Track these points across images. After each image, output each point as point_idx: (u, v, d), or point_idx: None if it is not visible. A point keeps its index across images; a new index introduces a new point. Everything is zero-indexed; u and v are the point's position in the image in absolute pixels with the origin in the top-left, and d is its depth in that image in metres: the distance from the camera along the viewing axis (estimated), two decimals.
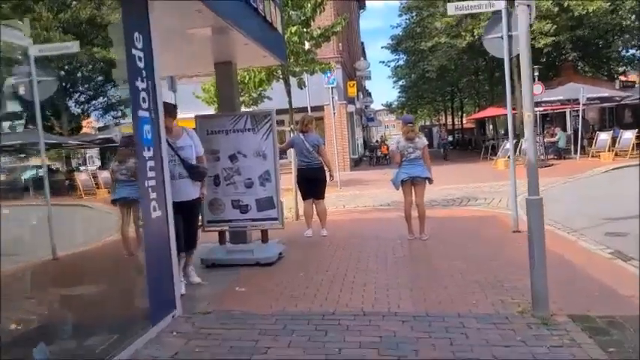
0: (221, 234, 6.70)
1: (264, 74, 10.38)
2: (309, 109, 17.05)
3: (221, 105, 7.54)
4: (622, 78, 34.03)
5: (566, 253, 6.58)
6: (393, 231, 8.65)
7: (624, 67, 37.99)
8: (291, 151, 9.41)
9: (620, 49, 35.62)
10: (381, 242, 7.77)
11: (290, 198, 10.26)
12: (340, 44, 25.37)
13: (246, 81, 10.66)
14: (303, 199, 8.76)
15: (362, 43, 55.16)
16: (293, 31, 10.17)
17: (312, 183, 8.47)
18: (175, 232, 4.91)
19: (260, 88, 16.55)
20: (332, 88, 16.77)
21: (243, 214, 6.60)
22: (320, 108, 22.63)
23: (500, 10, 7.73)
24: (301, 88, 11.26)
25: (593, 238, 7.39)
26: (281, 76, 10.90)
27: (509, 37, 7.72)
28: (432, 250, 7.14)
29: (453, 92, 47.12)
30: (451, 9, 7.89)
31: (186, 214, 5.44)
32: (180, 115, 5.92)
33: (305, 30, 10.77)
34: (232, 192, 6.59)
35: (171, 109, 5.42)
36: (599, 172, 16.80)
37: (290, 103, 11.10)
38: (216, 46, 6.64)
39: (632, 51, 36.04)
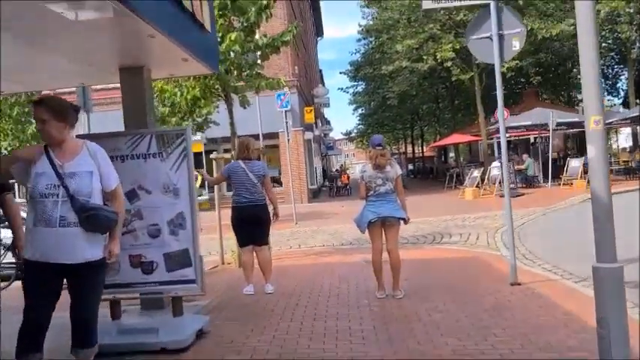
0: (113, 304, 4.70)
1: (198, 90, 8.49)
2: (260, 136, 15.18)
3: (126, 125, 5.60)
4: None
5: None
6: (359, 283, 6.81)
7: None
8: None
9: (579, 78, 35.46)
10: (343, 303, 5.88)
11: (230, 242, 8.32)
12: (296, 67, 23.80)
13: (177, 99, 8.73)
14: (241, 245, 6.85)
15: (320, 71, 54.13)
16: (233, 38, 8.36)
17: (253, 225, 6.57)
18: (26, 321, 3.16)
19: (205, 111, 14.77)
20: (285, 111, 14.99)
21: (147, 276, 4.62)
22: (274, 135, 20.80)
23: (488, 4, 6.13)
24: (244, 107, 9.41)
25: None
26: (221, 94, 9.03)
27: (500, 37, 6.11)
28: (411, 315, 5.29)
29: (413, 120, 46.20)
30: (426, 4, 6.24)
31: (74, 285, 3.33)
32: None
33: (249, 38, 8.98)
34: (131, 244, 4.61)
35: (61, 108, 3.38)
36: (576, 201, 15.48)
37: (232, 124, 9.24)
38: (109, 40, 4.75)
39: None
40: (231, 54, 8.76)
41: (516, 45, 6.15)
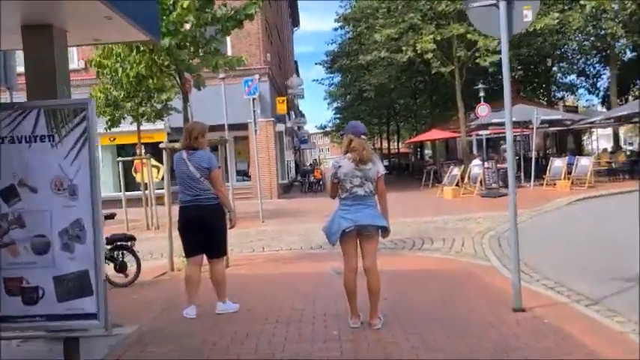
0: None
1: (143, 66, 7.11)
2: (226, 126, 13.80)
3: (29, 95, 4.23)
4: (562, 103, 32.99)
5: None
6: (328, 303, 5.58)
7: (563, 93, 37.25)
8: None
9: (558, 76, 34.81)
10: (306, 334, 4.63)
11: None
12: (268, 54, 22.40)
13: (119, 75, 7.34)
14: (186, 255, 5.54)
15: (296, 62, 52.74)
16: (185, 5, 7.02)
17: (200, 231, 5.29)
18: None
19: (164, 97, 13.28)
20: (252, 99, 13.64)
21: (29, 307, 3.30)
22: (243, 126, 19.34)
23: None
24: (199, 89, 8.07)
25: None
26: (172, 72, 7.67)
27: (509, 4, 4.90)
28: (394, 354, 4.07)
29: (390, 115, 45.14)
30: None
31: None
32: None
33: (206, 9, 7.65)
34: (7, 262, 3.29)
35: None
36: (563, 203, 14.53)
37: (185, 108, 7.89)
38: None
39: (571, 77, 35.39)
40: (186, 26, 7.43)
41: (528, 15, 4.96)
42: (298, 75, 44.53)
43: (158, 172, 17.27)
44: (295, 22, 50.78)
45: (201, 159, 5.26)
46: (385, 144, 54.13)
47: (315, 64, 72.35)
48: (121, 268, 6.65)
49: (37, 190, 3.29)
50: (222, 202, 5.37)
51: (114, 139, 20.82)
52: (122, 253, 6.69)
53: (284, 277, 7.06)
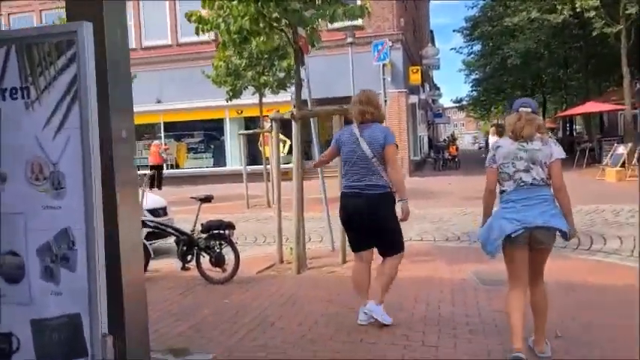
0: None
1: (247, 19, 5.90)
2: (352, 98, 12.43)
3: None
4: None
5: None
6: (475, 327, 4.07)
7: None
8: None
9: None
10: None
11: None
12: (402, 19, 20.57)
13: (220, 30, 6.21)
14: (353, 250, 4.49)
15: (431, 32, 49.92)
16: None
17: (366, 223, 4.21)
18: None
19: (285, 64, 12.20)
20: (382, 65, 12.13)
21: None
22: None
23: None
24: (313, 46, 6.74)
25: None
26: (281, 25, 6.40)
27: None
28: None
29: (535, 86, 40.97)
30: None
31: None
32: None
33: None
34: None
35: None
36: None
37: (298, 72, 6.65)
38: None
39: None
40: None
41: None
42: (434, 45, 41.91)
43: (284, 146, 16.54)
44: None
45: (375, 134, 4.20)
46: None
47: (453, 31, 68.66)
48: (217, 261, 5.62)
49: (5, 177, 2.15)
50: (396, 186, 4.21)
51: (241, 112, 20.49)
52: (220, 244, 5.65)
53: (411, 282, 5.56)
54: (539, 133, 3.46)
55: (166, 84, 21.55)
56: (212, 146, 22.84)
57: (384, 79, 12.28)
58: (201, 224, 5.73)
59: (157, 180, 19.95)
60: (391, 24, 19.75)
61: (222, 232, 5.62)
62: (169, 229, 6.06)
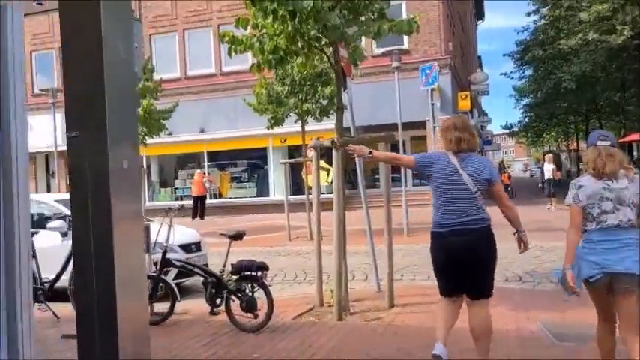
0: None
1: (282, 37, 5.40)
2: (399, 125, 11.83)
3: None
4: None
5: None
6: None
7: None
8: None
9: None
10: None
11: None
12: (450, 44, 19.92)
13: (254, 46, 5.70)
14: (442, 293, 3.90)
15: (479, 57, 48.97)
16: None
17: (466, 263, 3.71)
18: None
19: (328, 90, 11.73)
20: (431, 90, 11.47)
21: None
22: (419, 125, 17.07)
23: None
24: (356, 65, 6.18)
25: None
26: (322, 44, 5.86)
27: None
28: None
29: (589, 112, 39.29)
30: None
31: None
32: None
33: None
34: None
35: None
36: None
37: (339, 96, 6.09)
38: None
39: None
40: None
41: None
42: (482, 70, 40.96)
43: (328, 174, 16.02)
44: (479, 15, 47.07)
45: (479, 167, 3.74)
46: (583, 145, 47.68)
47: (503, 55, 67.26)
48: (248, 306, 4.99)
49: None
50: (515, 223, 3.87)
51: (284, 141, 20.11)
52: (252, 286, 5.04)
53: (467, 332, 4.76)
54: (623, 169, 3.28)
55: (210, 113, 21.48)
56: (255, 175, 22.52)
57: (432, 104, 11.59)
58: (231, 264, 5.14)
59: (199, 210, 19.73)
60: (439, 49, 19.13)
61: (253, 273, 5.02)
62: (196, 270, 5.50)
